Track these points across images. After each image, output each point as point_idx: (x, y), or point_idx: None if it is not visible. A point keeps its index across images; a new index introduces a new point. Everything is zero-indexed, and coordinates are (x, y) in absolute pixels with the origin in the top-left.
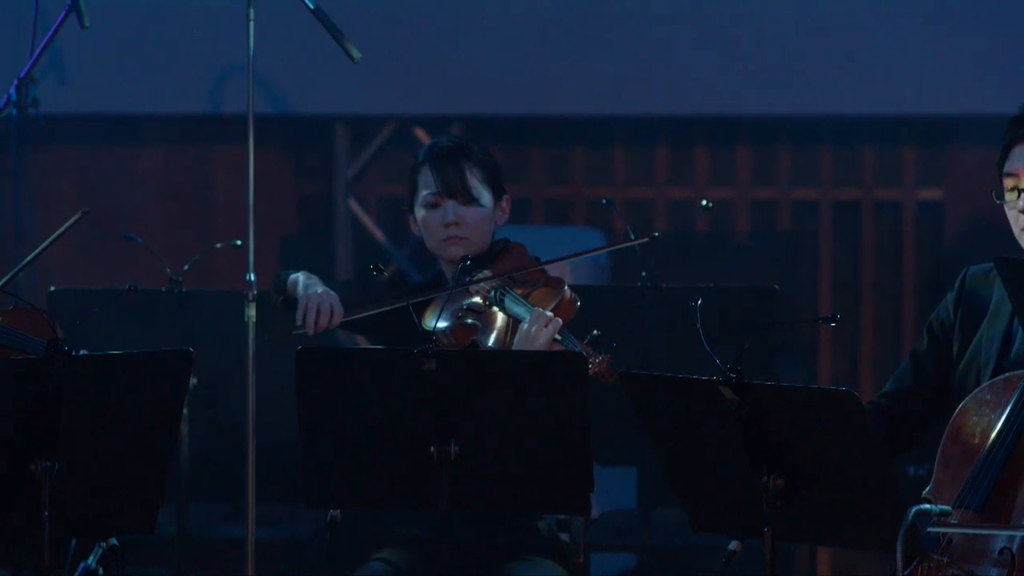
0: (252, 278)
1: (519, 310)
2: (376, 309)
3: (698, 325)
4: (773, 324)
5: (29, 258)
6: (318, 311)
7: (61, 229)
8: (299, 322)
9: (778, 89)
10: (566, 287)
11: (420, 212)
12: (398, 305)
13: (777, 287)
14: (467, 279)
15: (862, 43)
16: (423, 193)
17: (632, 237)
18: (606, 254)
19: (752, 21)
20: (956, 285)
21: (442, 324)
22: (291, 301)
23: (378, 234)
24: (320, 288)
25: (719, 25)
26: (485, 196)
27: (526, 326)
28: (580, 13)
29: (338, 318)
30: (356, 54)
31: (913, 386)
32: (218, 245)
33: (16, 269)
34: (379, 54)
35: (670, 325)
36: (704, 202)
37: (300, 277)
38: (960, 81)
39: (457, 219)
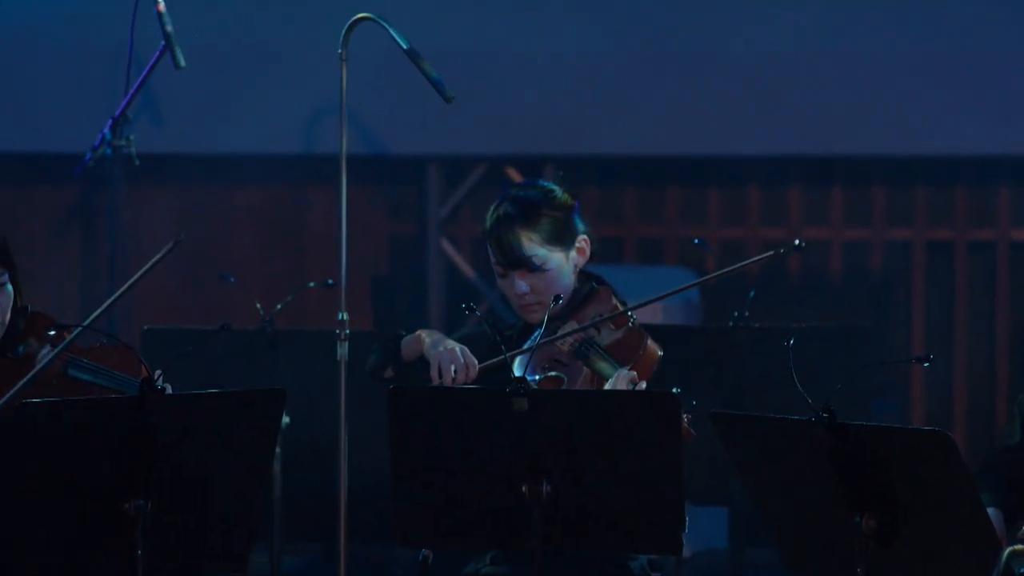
0: (344, 317)
1: (603, 366)
2: (496, 359)
3: (791, 365)
4: (866, 364)
5: (125, 287)
6: (454, 368)
7: (155, 258)
8: (435, 380)
9: (873, 130)
10: (649, 340)
11: (496, 276)
12: (498, 361)
13: (870, 327)
14: (552, 329)
15: (958, 83)
16: (492, 261)
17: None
18: (699, 294)
19: (846, 61)
20: None
21: (530, 376)
22: (408, 365)
23: (470, 273)
24: (449, 344)
25: (812, 66)
26: (552, 257)
27: (609, 385)
28: (674, 54)
29: (475, 372)
30: (449, 94)
31: None
32: (311, 284)
33: (112, 298)
34: (472, 94)
35: (763, 365)
36: (797, 242)
37: (423, 335)
38: None
39: (526, 290)
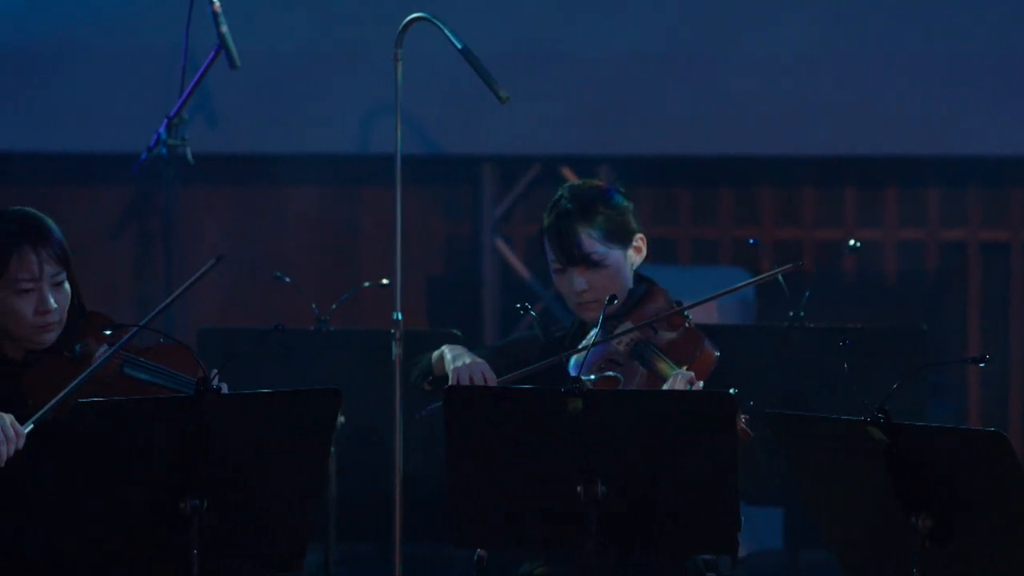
0: (399, 317)
1: (660, 366)
2: (526, 371)
3: (846, 365)
4: (922, 365)
5: (166, 303)
6: (471, 381)
7: (198, 274)
8: None
9: (927, 130)
10: (705, 340)
11: (552, 274)
12: (547, 364)
13: (925, 327)
14: (609, 329)
15: (1010, 83)
16: (549, 258)
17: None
18: (754, 293)
19: (901, 62)
20: None
21: (585, 376)
22: (440, 379)
23: (524, 273)
24: (468, 358)
25: (866, 66)
26: (611, 253)
27: (667, 386)
28: (726, 53)
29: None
30: (504, 94)
31: None
32: (366, 284)
33: (153, 312)
34: (526, 94)
35: (818, 365)
36: (852, 242)
37: (445, 351)
38: None
39: (584, 287)
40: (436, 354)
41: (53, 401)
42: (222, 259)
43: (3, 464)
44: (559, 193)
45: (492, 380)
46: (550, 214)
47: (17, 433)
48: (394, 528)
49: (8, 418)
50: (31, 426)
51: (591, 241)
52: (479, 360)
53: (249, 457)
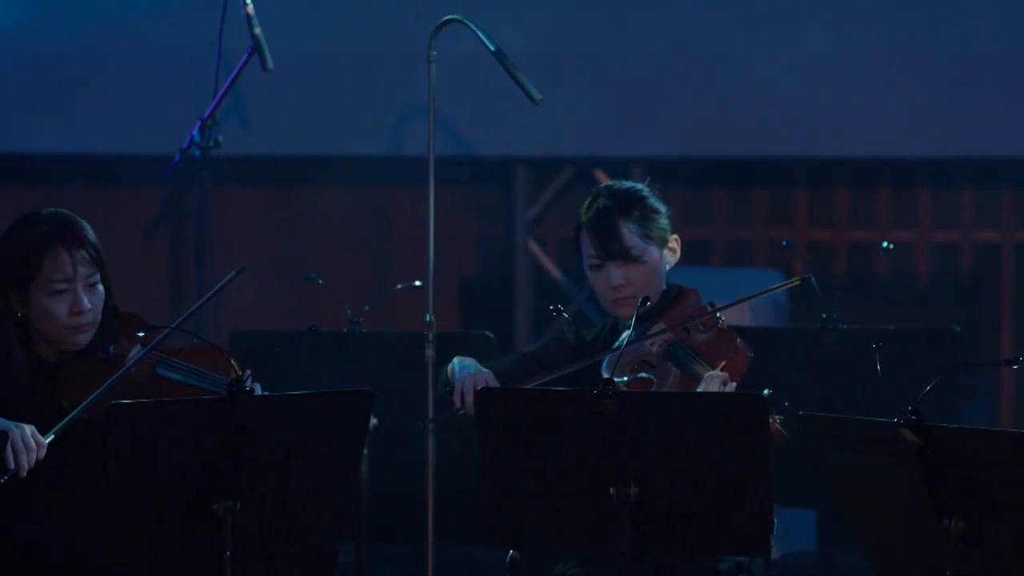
0: (432, 319)
1: (694, 367)
2: (559, 374)
3: (878, 367)
4: (955, 367)
5: (191, 310)
6: (474, 391)
7: (218, 286)
8: (456, 404)
9: (960, 132)
10: (739, 341)
11: (587, 272)
12: (580, 366)
13: (958, 329)
14: (642, 330)
15: None
16: (586, 255)
17: (813, 282)
18: (786, 295)
19: (933, 62)
20: None
21: (618, 377)
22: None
23: (557, 275)
24: (472, 369)
25: (899, 67)
26: (648, 250)
27: (701, 387)
28: (760, 54)
29: None
30: (537, 95)
31: None
32: (399, 286)
33: (183, 316)
34: (559, 95)
35: (850, 367)
36: (885, 244)
37: (455, 362)
38: None
39: (622, 281)
40: (449, 365)
41: (83, 403)
42: (243, 271)
43: (24, 474)
44: (596, 191)
45: (494, 387)
46: (589, 210)
47: (38, 443)
48: (427, 529)
49: (29, 428)
50: (52, 437)
51: (631, 236)
52: (484, 370)
53: (282, 458)
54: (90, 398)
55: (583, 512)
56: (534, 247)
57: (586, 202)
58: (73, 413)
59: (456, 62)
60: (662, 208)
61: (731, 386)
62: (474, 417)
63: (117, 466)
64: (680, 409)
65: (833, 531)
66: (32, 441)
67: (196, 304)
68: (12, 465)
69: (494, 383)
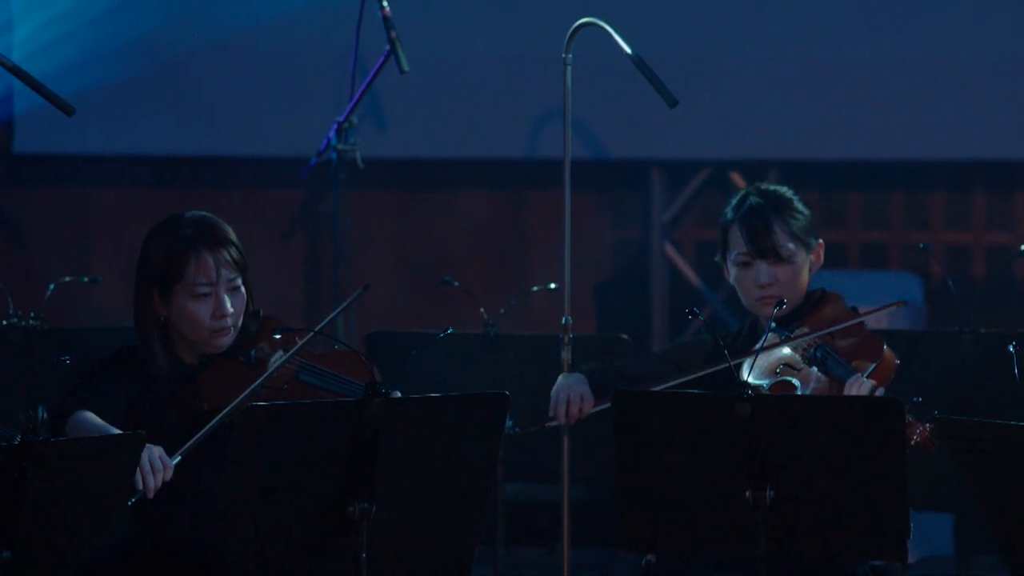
0: (568, 321)
1: (840, 372)
2: (695, 375)
3: (1015, 370)
4: None
5: (326, 320)
6: (568, 402)
7: (346, 302)
8: (551, 413)
9: None
10: (885, 346)
11: (732, 269)
12: (718, 368)
13: None
14: (785, 334)
15: None
16: (734, 252)
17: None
18: (923, 298)
19: None
20: None
21: (760, 380)
22: None
23: (693, 278)
24: (571, 379)
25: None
26: (798, 252)
27: (845, 392)
28: (894, 59)
29: (588, 406)
30: (673, 99)
31: None
32: (534, 289)
33: (323, 323)
34: (696, 98)
35: (988, 370)
36: (1022, 247)
37: (560, 378)
38: None
39: (770, 280)
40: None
41: (226, 410)
42: (369, 288)
43: (151, 496)
44: (745, 191)
45: (589, 401)
46: (740, 207)
47: (165, 465)
48: (563, 532)
49: (157, 450)
50: (179, 458)
51: (783, 235)
52: (582, 381)
53: (417, 461)
54: (233, 403)
55: (718, 515)
56: (670, 250)
57: (735, 199)
58: (212, 423)
59: (592, 65)
60: (807, 211)
61: (880, 392)
62: (610, 420)
63: (253, 468)
64: (815, 413)
65: (970, 535)
66: (160, 463)
67: (328, 316)
68: (140, 486)
69: (588, 395)
